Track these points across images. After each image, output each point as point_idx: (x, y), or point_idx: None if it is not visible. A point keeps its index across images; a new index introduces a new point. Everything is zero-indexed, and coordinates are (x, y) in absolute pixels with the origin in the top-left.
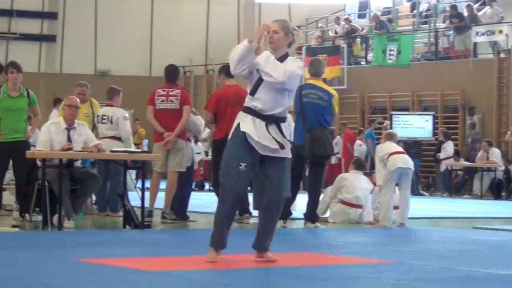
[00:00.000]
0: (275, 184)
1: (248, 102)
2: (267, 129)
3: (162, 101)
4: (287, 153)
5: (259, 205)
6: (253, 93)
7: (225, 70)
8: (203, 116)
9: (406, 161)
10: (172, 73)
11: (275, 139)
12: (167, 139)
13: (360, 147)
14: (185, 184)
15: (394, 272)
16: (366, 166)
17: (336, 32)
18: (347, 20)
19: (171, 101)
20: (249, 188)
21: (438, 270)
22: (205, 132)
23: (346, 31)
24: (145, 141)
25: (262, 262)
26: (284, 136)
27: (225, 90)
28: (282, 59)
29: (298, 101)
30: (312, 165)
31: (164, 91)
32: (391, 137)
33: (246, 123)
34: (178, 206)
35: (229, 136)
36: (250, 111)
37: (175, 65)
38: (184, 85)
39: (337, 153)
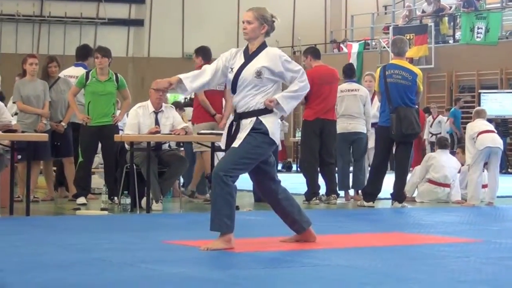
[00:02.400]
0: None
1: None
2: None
3: None
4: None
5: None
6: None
7: (312, 51)
8: None
9: (495, 140)
10: (210, 53)
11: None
12: (223, 122)
13: (439, 124)
14: None
15: (483, 251)
16: (448, 144)
17: (423, 11)
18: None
19: None
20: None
21: None
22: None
23: (434, 10)
24: None
25: (348, 242)
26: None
27: (316, 70)
28: (259, 50)
29: (382, 82)
30: (399, 144)
31: None
32: (479, 114)
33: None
34: None
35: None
36: None
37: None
38: None
39: None
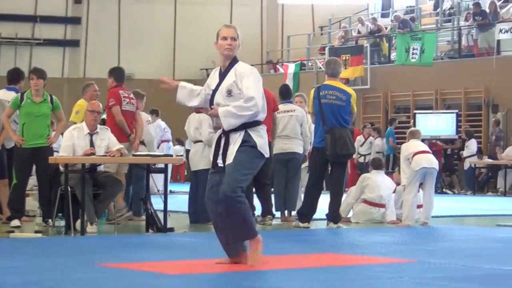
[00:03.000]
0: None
1: None
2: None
3: (127, 103)
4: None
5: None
6: None
7: None
8: None
9: (431, 161)
10: (123, 75)
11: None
12: (136, 142)
13: (370, 144)
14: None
15: (417, 271)
16: (383, 165)
17: (359, 32)
18: (373, 20)
19: (132, 103)
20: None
21: (461, 269)
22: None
23: (371, 31)
24: (168, 144)
25: (283, 263)
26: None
27: None
28: (230, 67)
29: (317, 102)
30: (334, 165)
31: (126, 93)
32: (413, 135)
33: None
34: (200, 209)
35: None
36: None
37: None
38: None
39: None
